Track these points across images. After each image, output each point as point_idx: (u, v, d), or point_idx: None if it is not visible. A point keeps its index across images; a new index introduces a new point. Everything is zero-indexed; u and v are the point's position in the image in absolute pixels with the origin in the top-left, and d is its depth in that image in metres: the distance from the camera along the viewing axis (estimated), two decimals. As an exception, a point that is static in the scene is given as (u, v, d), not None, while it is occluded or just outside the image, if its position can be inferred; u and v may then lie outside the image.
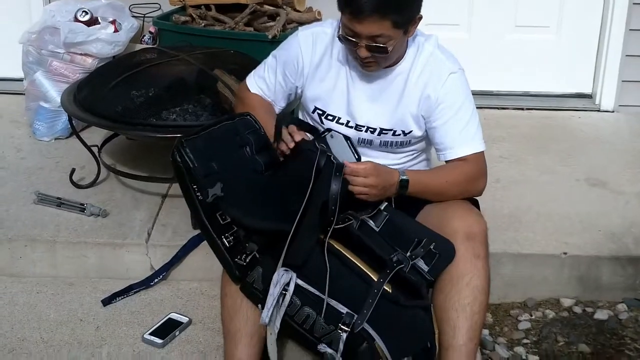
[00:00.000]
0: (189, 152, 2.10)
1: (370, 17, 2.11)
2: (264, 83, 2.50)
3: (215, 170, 2.11)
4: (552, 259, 2.80)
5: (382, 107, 2.36)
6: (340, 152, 2.23)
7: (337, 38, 2.28)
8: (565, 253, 2.79)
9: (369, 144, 2.42)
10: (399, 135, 2.39)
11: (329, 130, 2.30)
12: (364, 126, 2.38)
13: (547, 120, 4.10)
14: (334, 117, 2.41)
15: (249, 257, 2.11)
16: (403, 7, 2.15)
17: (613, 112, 4.20)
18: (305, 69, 2.41)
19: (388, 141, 2.40)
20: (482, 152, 2.35)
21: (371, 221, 2.15)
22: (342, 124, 2.40)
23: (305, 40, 2.41)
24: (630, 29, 4.06)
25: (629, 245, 2.85)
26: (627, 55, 4.11)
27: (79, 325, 2.57)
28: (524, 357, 2.61)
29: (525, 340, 2.68)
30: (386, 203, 2.18)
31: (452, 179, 2.32)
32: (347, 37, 2.20)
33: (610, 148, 3.76)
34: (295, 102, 2.59)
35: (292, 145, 2.20)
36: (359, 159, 2.24)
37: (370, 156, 2.38)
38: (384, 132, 2.38)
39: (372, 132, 2.38)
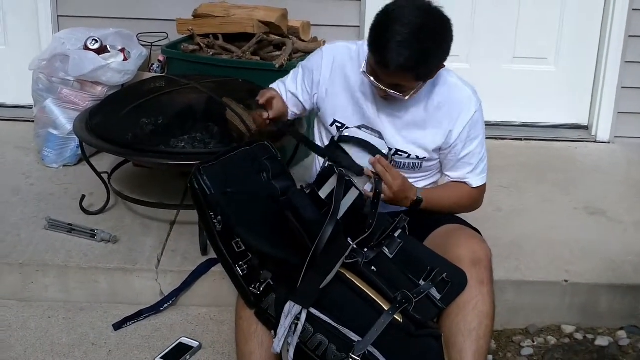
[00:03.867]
0: (206, 179, 2.14)
1: (395, 72, 2.20)
2: (283, 84, 2.61)
3: (231, 195, 2.15)
4: (554, 287, 2.85)
5: (399, 128, 2.43)
6: (363, 152, 2.33)
7: (359, 61, 2.40)
8: (566, 281, 2.84)
9: None
10: (413, 159, 2.46)
11: (340, 136, 2.38)
12: None
13: (544, 151, 4.17)
14: None
15: (263, 286, 2.14)
16: (429, 62, 2.23)
17: (609, 143, 4.26)
18: (322, 80, 2.49)
19: (401, 162, 2.46)
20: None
21: (386, 249, 2.19)
22: None
23: (328, 54, 2.51)
24: (626, 61, 4.14)
25: (628, 273, 2.90)
26: (622, 87, 4.18)
27: (91, 349, 2.61)
28: (527, 382, 2.66)
29: (527, 366, 2.73)
30: (400, 230, 2.22)
31: (459, 201, 2.53)
32: (370, 76, 2.29)
33: (607, 178, 3.83)
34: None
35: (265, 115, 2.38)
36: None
37: None
38: (399, 153, 2.44)
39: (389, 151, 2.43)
